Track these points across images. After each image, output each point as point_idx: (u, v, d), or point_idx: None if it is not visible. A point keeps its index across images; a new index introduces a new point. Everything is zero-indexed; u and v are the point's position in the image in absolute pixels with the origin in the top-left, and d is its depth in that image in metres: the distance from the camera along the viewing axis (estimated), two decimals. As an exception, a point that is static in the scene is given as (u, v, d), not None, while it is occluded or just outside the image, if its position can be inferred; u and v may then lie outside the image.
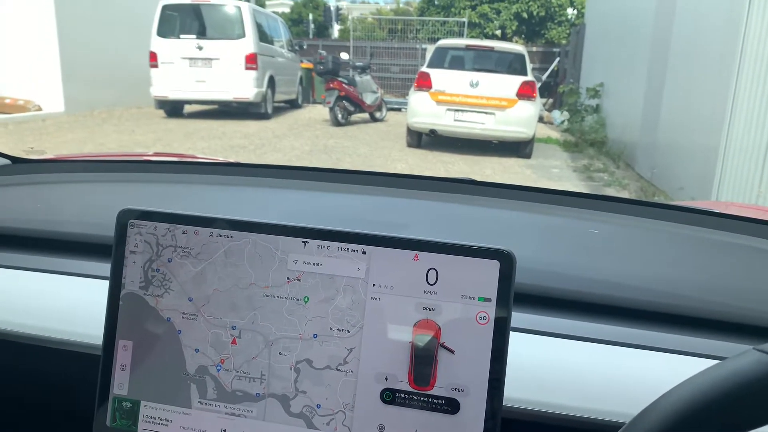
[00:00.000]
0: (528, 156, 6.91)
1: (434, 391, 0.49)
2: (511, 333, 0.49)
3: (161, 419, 0.53)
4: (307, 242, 0.51)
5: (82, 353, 0.63)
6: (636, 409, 0.54)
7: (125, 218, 0.54)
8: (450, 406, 0.49)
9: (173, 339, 0.53)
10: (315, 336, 0.51)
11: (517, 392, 0.55)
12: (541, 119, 8.56)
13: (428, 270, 0.50)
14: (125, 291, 0.54)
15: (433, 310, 0.49)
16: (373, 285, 0.50)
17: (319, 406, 0.50)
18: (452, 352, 0.49)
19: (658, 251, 0.78)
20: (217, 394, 0.52)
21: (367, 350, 0.50)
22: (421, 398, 0.49)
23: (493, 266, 0.49)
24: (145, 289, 0.54)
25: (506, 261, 0.49)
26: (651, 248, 0.78)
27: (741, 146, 4.08)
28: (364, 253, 0.51)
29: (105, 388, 0.54)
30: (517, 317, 0.54)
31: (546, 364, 0.58)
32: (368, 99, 9.12)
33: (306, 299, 0.51)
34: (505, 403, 0.49)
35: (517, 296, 0.49)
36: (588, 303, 0.64)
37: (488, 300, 0.49)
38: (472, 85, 6.61)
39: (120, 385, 0.54)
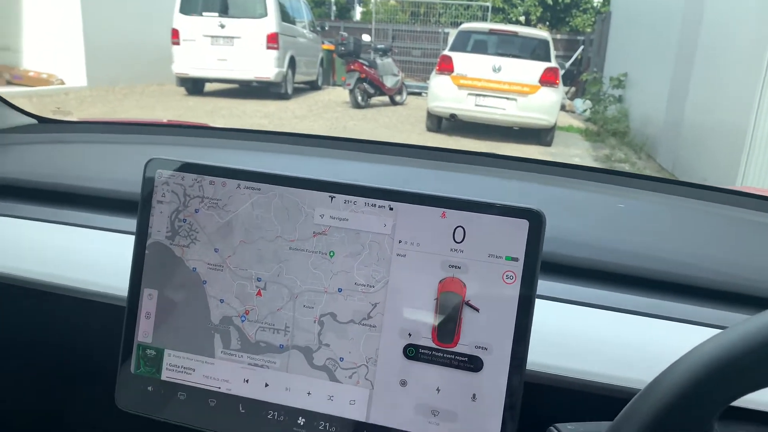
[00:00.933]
0: (549, 144, 6.84)
1: (457, 349, 0.49)
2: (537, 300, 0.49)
3: (184, 367, 0.54)
4: (334, 197, 0.51)
5: (108, 304, 0.63)
6: (653, 375, 0.54)
7: (153, 168, 0.55)
8: (473, 364, 0.49)
9: (198, 289, 0.53)
10: (340, 290, 0.51)
11: (539, 357, 0.54)
12: (563, 107, 8.45)
13: (455, 228, 0.49)
14: (151, 240, 0.54)
15: (459, 268, 0.49)
16: (399, 241, 0.50)
17: (342, 359, 0.50)
18: (477, 310, 0.49)
19: (682, 226, 0.77)
20: (240, 345, 0.53)
21: (392, 306, 0.50)
22: (445, 355, 0.49)
23: (522, 226, 0.48)
24: (172, 239, 0.54)
25: (535, 220, 0.48)
26: (675, 223, 0.77)
27: (767, 143, 4.00)
28: (391, 209, 0.50)
29: (130, 335, 0.55)
30: (541, 285, 0.54)
31: (568, 330, 0.57)
32: (389, 82, 9.07)
33: (332, 254, 0.51)
34: (528, 367, 0.48)
35: (542, 263, 0.49)
36: (611, 273, 0.64)
37: (515, 260, 0.48)
38: (494, 69, 6.53)
39: (145, 333, 0.54)
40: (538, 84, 6.50)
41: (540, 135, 6.82)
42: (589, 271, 0.63)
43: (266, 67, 8.66)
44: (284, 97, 9.09)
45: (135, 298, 0.55)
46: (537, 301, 0.49)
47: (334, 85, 12.06)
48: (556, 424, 0.40)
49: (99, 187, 0.76)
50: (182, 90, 9.12)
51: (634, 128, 7.73)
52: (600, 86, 9.28)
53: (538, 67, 6.60)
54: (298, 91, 10.04)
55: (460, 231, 0.49)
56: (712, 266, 0.65)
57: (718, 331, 0.56)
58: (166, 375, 0.54)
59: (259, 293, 0.52)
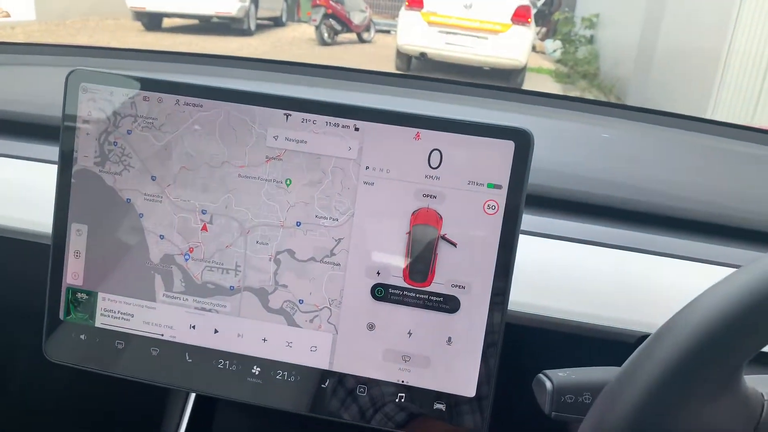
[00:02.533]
0: (519, 85, 6.74)
1: (432, 288, 0.43)
2: (521, 235, 0.43)
3: (122, 313, 0.47)
4: (290, 115, 0.44)
5: (33, 242, 0.56)
6: (652, 317, 0.49)
7: (76, 81, 0.46)
8: (449, 304, 0.43)
9: (134, 223, 0.46)
10: (298, 224, 0.44)
11: (522, 296, 0.49)
12: (534, 48, 8.31)
13: (431, 151, 0.43)
14: (78, 167, 0.46)
15: (434, 197, 0.43)
16: (367, 167, 0.43)
17: (301, 301, 0.44)
18: (454, 244, 0.43)
19: (668, 157, 0.72)
20: (185, 287, 0.46)
21: (358, 241, 0.44)
22: (417, 295, 0.43)
23: (507, 148, 0.42)
24: (101, 165, 0.46)
25: (522, 142, 0.42)
26: (662, 154, 0.72)
27: (736, 85, 3.99)
28: (357, 129, 0.43)
29: (57, 277, 0.48)
30: (524, 219, 0.48)
31: (555, 268, 0.52)
32: (356, 18, 8.77)
33: (288, 182, 0.44)
34: (509, 306, 0.43)
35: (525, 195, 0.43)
36: (599, 206, 0.58)
37: (498, 187, 0.42)
38: (465, 6, 6.34)
39: (74, 274, 0.47)
40: (510, 22, 6.34)
41: (510, 76, 6.71)
42: (577, 204, 0.57)
43: (228, 1, 8.24)
44: (247, 33, 8.71)
45: (61, 235, 0.47)
46: (520, 236, 0.43)
47: (299, 21, 11.62)
48: (546, 371, 0.35)
49: (18, 111, 0.66)
50: (138, 25, 8.65)
51: (605, 70, 7.68)
52: (571, 26, 9.14)
53: (510, 4, 6.43)
54: (262, 28, 9.63)
55: (436, 155, 0.43)
56: (703, 198, 0.60)
57: (714, 267, 0.52)
58: (100, 322, 0.47)
59: (204, 228, 0.45)
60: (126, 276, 0.47)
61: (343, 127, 0.43)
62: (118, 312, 0.47)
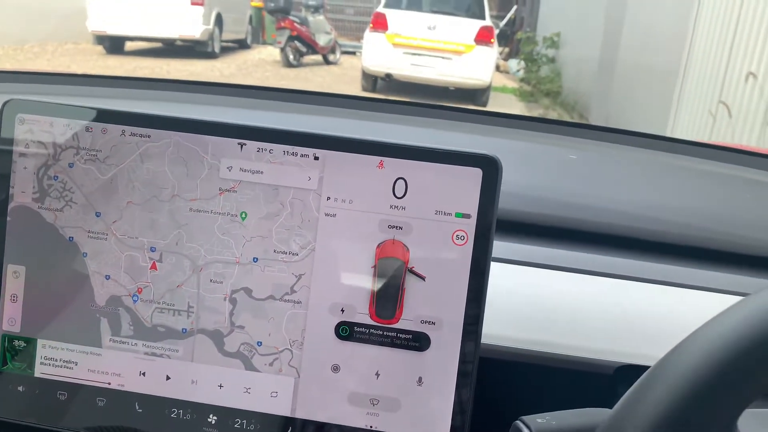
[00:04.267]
0: (484, 104, 6.82)
1: (400, 325, 0.41)
2: (492, 262, 0.41)
3: (64, 361, 0.43)
4: (245, 144, 0.41)
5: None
6: (629, 347, 0.48)
7: (12, 111, 0.43)
8: (418, 342, 0.41)
9: (77, 263, 0.43)
10: (255, 260, 0.41)
11: (496, 328, 0.47)
12: (497, 68, 8.45)
13: (395, 180, 0.41)
14: (14, 203, 0.43)
15: (400, 228, 0.41)
16: (328, 198, 0.41)
17: (260, 343, 0.41)
18: (423, 278, 0.41)
19: (638, 177, 0.71)
20: (133, 331, 0.42)
21: (320, 277, 0.41)
22: (385, 333, 0.41)
23: (475, 176, 0.40)
24: (40, 201, 0.43)
25: (491, 169, 0.40)
26: (631, 175, 0.71)
27: (695, 94, 4.10)
28: (317, 158, 0.41)
29: (-8, 324, 0.44)
30: (496, 245, 0.46)
31: (527, 297, 0.50)
32: (321, 40, 8.79)
33: (243, 215, 0.41)
34: (483, 339, 0.41)
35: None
36: (571, 230, 0.57)
37: (467, 216, 0.40)
38: (429, 28, 6.41)
39: (11, 320, 0.43)
40: (473, 43, 6.44)
41: (475, 95, 6.79)
42: (548, 228, 0.56)
43: (191, 24, 8.17)
44: (211, 56, 8.65)
45: (-4, 278, 0.43)
46: (492, 264, 0.41)
47: (265, 43, 11.59)
48: (523, 418, 0.33)
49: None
50: (100, 49, 8.51)
51: (567, 87, 7.84)
52: (534, 46, 9.34)
53: (473, 26, 6.53)
54: (226, 50, 9.58)
55: (401, 184, 0.41)
56: (674, 219, 0.59)
57: (700, 292, 0.51)
58: (40, 371, 0.43)
59: (153, 266, 0.42)
60: (68, 320, 0.43)
61: (302, 156, 0.41)
62: (60, 360, 0.43)
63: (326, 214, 0.41)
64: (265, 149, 0.41)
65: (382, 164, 0.41)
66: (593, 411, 0.34)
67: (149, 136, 0.42)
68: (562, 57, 8.65)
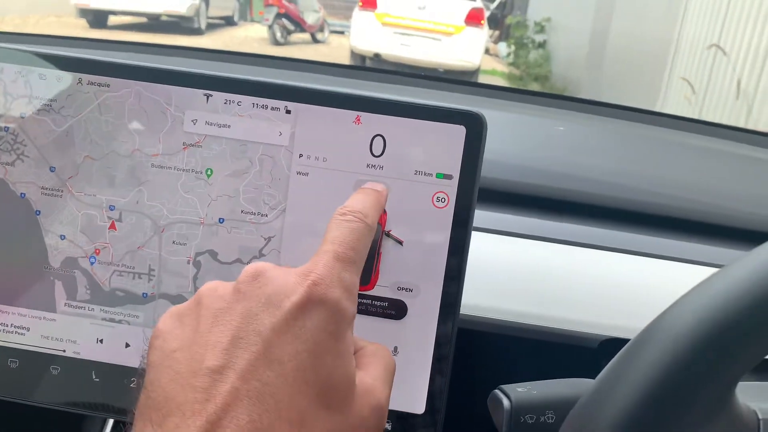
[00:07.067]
0: (472, 87, 6.78)
1: (375, 292, 0.38)
2: (474, 232, 0.39)
3: (15, 326, 0.40)
4: (211, 95, 0.38)
5: None
6: (614, 319, 0.46)
7: (-43, 56, 0.39)
8: (395, 309, 0.38)
9: (30, 222, 0.40)
10: (221, 221, 0.39)
11: (475, 298, 0.45)
12: (487, 51, 8.40)
13: (373, 137, 0.38)
14: (-40, 157, 0.40)
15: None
16: (300, 155, 0.38)
17: (225, 309, 0.39)
18: (400, 242, 0.38)
19: (624, 149, 0.69)
20: (90, 295, 0.40)
21: (291, 240, 0.39)
22: (359, 300, 0.38)
23: (458, 133, 0.38)
24: (-11, 155, 0.39)
25: (475, 127, 0.37)
26: (617, 146, 0.69)
27: (682, 82, 4.10)
28: (288, 112, 0.38)
29: (-63, 286, 0.40)
30: (478, 215, 0.44)
31: (509, 267, 0.48)
32: (310, 18, 8.68)
33: (209, 172, 0.39)
34: (462, 310, 0.39)
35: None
36: (554, 200, 0.55)
37: (449, 177, 0.38)
38: (419, 8, 6.34)
39: (-42, 282, 0.40)
40: (464, 24, 6.38)
41: (464, 78, 6.73)
42: (532, 198, 0.53)
43: (177, -1, 8.02)
44: (197, 32, 8.49)
45: (-58, 237, 0.40)
46: (473, 233, 0.39)
47: (252, 20, 11.42)
48: (502, 386, 0.31)
49: None
50: (83, 22, 8.32)
51: (557, 72, 7.81)
52: (524, 30, 9.28)
53: (463, 7, 6.47)
54: (213, 27, 9.42)
55: (379, 141, 0.38)
56: (661, 191, 0.57)
57: (686, 265, 0.49)
58: (-10, 337, 0.40)
59: (112, 226, 0.39)
60: (20, 283, 0.40)
61: (273, 109, 0.38)
62: (11, 325, 0.40)
63: (298, 173, 0.38)
64: (233, 101, 0.38)
65: (358, 120, 0.38)
66: (576, 381, 0.32)
67: (108, 86, 0.39)
68: (552, 41, 8.61)
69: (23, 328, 0.40)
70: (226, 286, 0.28)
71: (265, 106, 0.38)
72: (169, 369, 0.25)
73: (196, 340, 0.26)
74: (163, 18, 8.32)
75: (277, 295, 0.27)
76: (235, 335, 0.25)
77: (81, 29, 8.05)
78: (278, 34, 8.15)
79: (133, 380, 0.40)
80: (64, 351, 0.40)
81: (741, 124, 3.24)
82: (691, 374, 0.21)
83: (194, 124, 0.38)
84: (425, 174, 0.38)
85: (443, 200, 0.38)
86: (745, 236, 0.53)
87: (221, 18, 10.01)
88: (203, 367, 0.25)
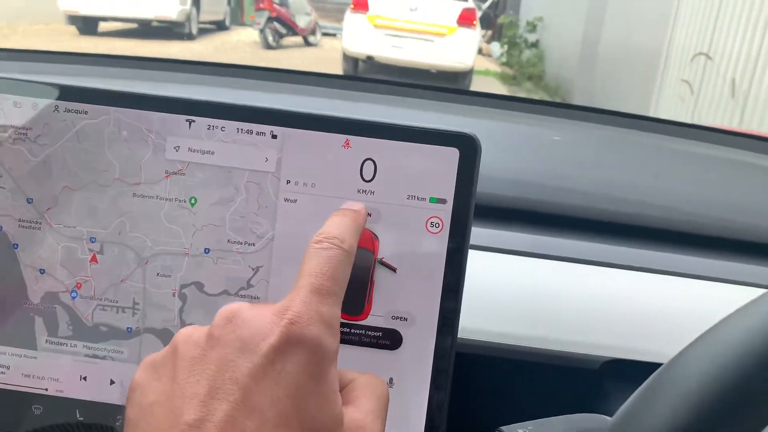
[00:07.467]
0: (466, 88, 6.78)
1: (369, 321, 0.37)
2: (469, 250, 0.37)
3: (-6, 365, 0.39)
4: (194, 121, 0.37)
5: None
6: (616, 339, 0.44)
7: (-72, 85, 0.38)
8: (389, 340, 0.37)
9: (7, 256, 0.38)
10: (207, 251, 0.37)
11: (473, 321, 0.43)
12: (480, 51, 8.40)
13: (363, 161, 0.36)
14: (-67, 189, 0.38)
15: (369, 215, 0.36)
16: (287, 182, 0.37)
17: (213, 343, 0.37)
18: (394, 270, 0.37)
19: (623, 159, 0.68)
20: (72, 330, 0.38)
21: (280, 269, 0.37)
22: (352, 331, 0.37)
23: (451, 156, 0.36)
24: (-37, 187, 0.38)
25: (468, 149, 0.36)
26: (617, 156, 0.68)
27: (678, 77, 4.10)
28: (275, 136, 0.37)
29: None
30: (472, 232, 0.43)
31: (506, 286, 0.47)
32: (301, 22, 8.67)
33: (193, 201, 0.37)
34: (459, 333, 0.37)
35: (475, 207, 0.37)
36: (553, 215, 0.53)
37: (442, 201, 0.36)
38: (411, 9, 6.33)
39: (-66, 319, 0.39)
40: (456, 25, 6.38)
41: (457, 78, 6.74)
42: (529, 214, 0.52)
43: (168, 4, 7.99)
44: (189, 37, 8.47)
45: None
46: (471, 252, 0.37)
47: (243, 25, 11.40)
48: (503, 428, 0.29)
49: None
50: (73, 29, 8.29)
51: (550, 72, 7.83)
52: (516, 30, 9.30)
53: (455, 7, 6.46)
54: (204, 32, 9.40)
55: (369, 166, 0.36)
56: (664, 203, 0.56)
57: (686, 280, 0.47)
58: (-32, 376, 0.39)
59: (94, 259, 0.38)
60: (-1, 320, 0.38)
61: (258, 134, 0.37)
62: (-9, 364, 0.39)
63: (286, 200, 0.37)
64: (217, 126, 0.37)
65: (348, 143, 0.36)
66: (579, 418, 0.30)
67: (86, 112, 0.37)
68: (545, 41, 8.62)
69: (3, 366, 0.39)
70: (201, 331, 0.27)
71: (250, 131, 0.37)
72: (147, 426, 0.24)
73: (173, 392, 0.24)
74: (154, 24, 8.30)
75: (252, 339, 0.25)
76: (212, 385, 0.24)
77: (71, 36, 8.02)
78: (270, 38, 8.14)
79: (119, 418, 0.38)
80: (47, 389, 0.38)
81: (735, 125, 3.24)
82: (709, 421, 0.20)
83: (177, 151, 0.37)
84: (418, 199, 0.36)
85: (437, 225, 0.36)
86: (748, 249, 0.51)
87: (213, 23, 9.99)
88: (181, 422, 0.23)
